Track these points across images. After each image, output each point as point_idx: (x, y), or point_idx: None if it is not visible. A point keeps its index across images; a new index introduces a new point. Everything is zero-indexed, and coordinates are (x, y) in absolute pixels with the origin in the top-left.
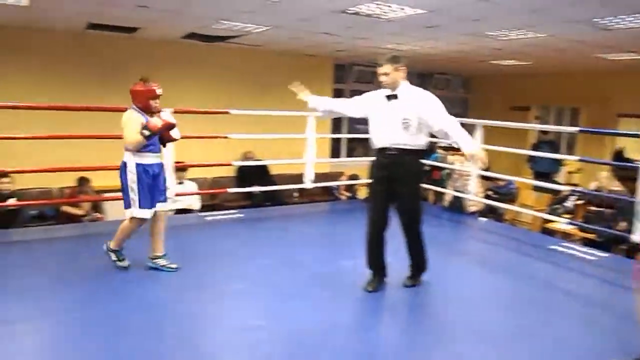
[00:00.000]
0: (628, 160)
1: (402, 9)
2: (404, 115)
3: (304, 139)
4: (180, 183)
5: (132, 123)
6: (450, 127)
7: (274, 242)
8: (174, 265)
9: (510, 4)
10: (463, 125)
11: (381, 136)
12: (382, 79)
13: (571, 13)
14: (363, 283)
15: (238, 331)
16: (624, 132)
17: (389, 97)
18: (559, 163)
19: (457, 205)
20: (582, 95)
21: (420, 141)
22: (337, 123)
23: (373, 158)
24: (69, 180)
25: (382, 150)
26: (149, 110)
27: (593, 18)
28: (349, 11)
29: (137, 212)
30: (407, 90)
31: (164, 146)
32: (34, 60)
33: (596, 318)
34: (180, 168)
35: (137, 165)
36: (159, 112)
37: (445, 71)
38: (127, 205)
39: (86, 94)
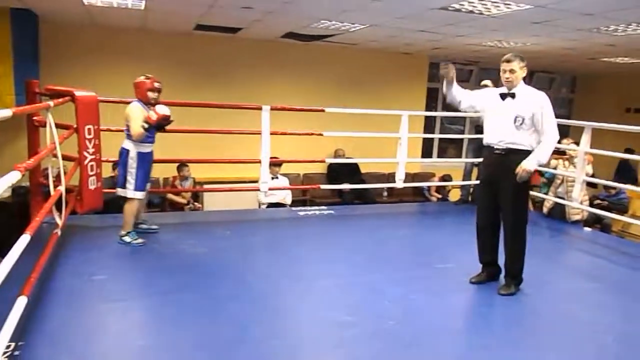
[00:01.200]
0: None
1: (508, 5)
2: (518, 112)
3: (395, 138)
4: (274, 178)
5: (138, 116)
6: (545, 139)
7: (365, 239)
8: (154, 227)
9: None
10: (569, 127)
11: (492, 134)
12: (507, 75)
13: None
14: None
15: (327, 326)
16: None
17: (504, 96)
18: None
19: (558, 213)
20: None
21: (531, 141)
22: (429, 123)
23: (483, 156)
24: (172, 171)
25: (491, 147)
26: (147, 102)
27: None
28: (450, 8)
29: (132, 193)
30: (525, 90)
31: (163, 131)
32: (146, 60)
33: None
34: (275, 163)
35: (138, 153)
36: (156, 104)
37: (549, 69)
38: (122, 185)
39: (190, 91)
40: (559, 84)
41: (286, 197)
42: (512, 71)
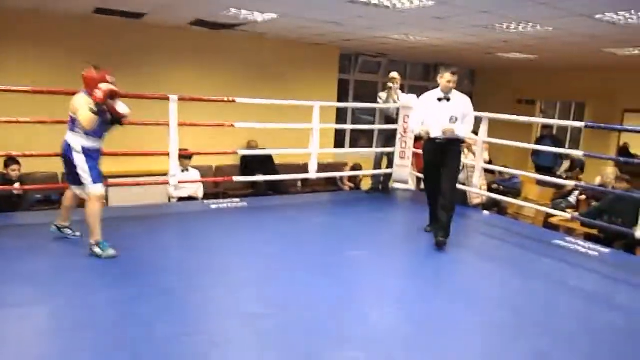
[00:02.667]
0: (633, 156)
1: (411, 0)
2: (452, 113)
3: (308, 129)
4: (184, 170)
5: (86, 105)
6: (467, 129)
7: (279, 230)
8: (78, 234)
9: None
10: None
11: (433, 129)
12: (451, 85)
13: (579, 7)
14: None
15: (242, 319)
16: (632, 127)
17: (441, 99)
18: (561, 158)
19: (461, 198)
20: (588, 90)
21: (460, 134)
22: (341, 114)
23: (426, 145)
24: None
25: (434, 139)
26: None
27: (601, 12)
28: (358, 1)
29: (92, 187)
30: (456, 95)
31: (121, 124)
32: (39, 45)
33: (597, 314)
34: (185, 155)
35: (83, 148)
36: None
37: (451, 63)
38: (74, 183)
39: None
40: (460, 77)
41: (198, 190)
42: (453, 82)
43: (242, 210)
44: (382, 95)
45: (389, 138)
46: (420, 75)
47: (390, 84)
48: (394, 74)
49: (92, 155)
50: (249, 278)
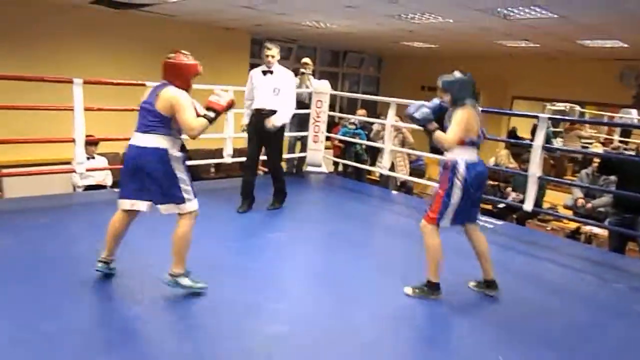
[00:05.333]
0: (520, 138)
1: None
2: (275, 85)
3: (222, 114)
4: (90, 158)
5: (191, 105)
6: (291, 103)
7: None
8: (202, 285)
9: None
10: (377, 103)
11: (258, 100)
12: (270, 59)
13: (476, 2)
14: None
15: (162, 305)
16: (521, 112)
17: (265, 72)
18: None
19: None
20: (483, 78)
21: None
22: None
23: (252, 116)
24: None
25: (258, 110)
26: (188, 91)
27: (496, 7)
28: None
29: (193, 204)
30: (279, 68)
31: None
32: None
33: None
34: (91, 142)
35: (183, 156)
36: None
37: (360, 50)
38: (175, 200)
39: None
40: (367, 64)
41: (106, 178)
42: (273, 56)
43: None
44: (295, 80)
45: (302, 123)
46: (330, 61)
47: (302, 70)
48: (307, 60)
49: (184, 161)
50: (163, 265)
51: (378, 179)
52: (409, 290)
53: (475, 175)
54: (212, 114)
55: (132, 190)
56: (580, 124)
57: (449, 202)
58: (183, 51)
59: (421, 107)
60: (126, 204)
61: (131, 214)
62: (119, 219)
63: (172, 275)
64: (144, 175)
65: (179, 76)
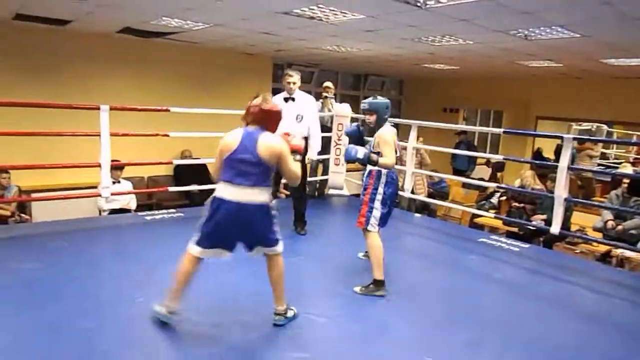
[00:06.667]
0: (546, 159)
1: (344, 13)
2: (298, 112)
3: None
4: (116, 182)
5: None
6: (317, 130)
7: None
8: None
9: (442, 12)
10: (399, 125)
11: (281, 128)
12: (292, 86)
13: (495, 23)
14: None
15: (186, 328)
16: (545, 133)
17: (287, 99)
18: (473, 161)
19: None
20: (505, 98)
21: (306, 131)
22: None
23: None
24: None
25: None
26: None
27: (516, 29)
28: (292, 13)
29: (281, 244)
30: (300, 95)
31: None
32: None
33: (522, 303)
34: (116, 166)
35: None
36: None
37: (381, 73)
38: (271, 243)
39: (11, 89)
40: (388, 87)
41: (130, 201)
42: (295, 83)
43: (178, 221)
44: (317, 104)
45: (323, 146)
46: (351, 84)
47: (324, 94)
48: (328, 84)
49: None
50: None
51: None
52: (357, 289)
53: (395, 185)
54: (299, 157)
55: (219, 241)
56: (593, 143)
57: (373, 207)
58: (264, 95)
59: (353, 149)
60: (208, 253)
61: (201, 260)
62: (192, 267)
63: (281, 314)
64: (240, 228)
65: (275, 122)
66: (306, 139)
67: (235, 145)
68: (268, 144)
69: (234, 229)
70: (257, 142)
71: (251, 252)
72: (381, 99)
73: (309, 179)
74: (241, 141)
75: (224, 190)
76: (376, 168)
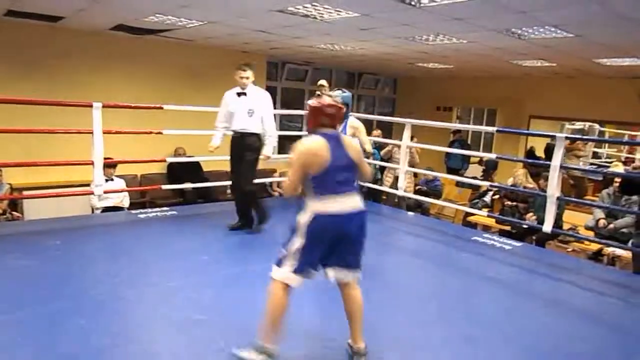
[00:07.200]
0: (538, 158)
1: (339, 11)
2: (250, 106)
3: None
4: (109, 180)
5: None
6: (272, 126)
7: (210, 238)
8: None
9: (436, 11)
10: (392, 124)
11: (234, 122)
12: (245, 80)
13: (489, 22)
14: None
15: (178, 326)
16: (537, 132)
17: (239, 94)
18: (467, 160)
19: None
20: (498, 97)
21: (259, 127)
22: None
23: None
24: None
25: (235, 131)
26: None
27: (509, 28)
28: (287, 11)
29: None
30: (253, 89)
31: None
32: None
33: (515, 301)
34: (110, 164)
35: None
36: None
37: (375, 71)
38: (359, 266)
39: (2, 85)
40: (383, 85)
41: (123, 199)
42: (248, 77)
43: (172, 219)
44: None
45: None
46: (345, 82)
47: (318, 92)
48: (322, 82)
49: None
50: (182, 286)
51: (385, 197)
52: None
53: None
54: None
55: (318, 261)
56: (582, 143)
57: None
58: (324, 91)
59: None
60: (311, 275)
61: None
62: (288, 297)
63: (360, 353)
64: (349, 241)
65: (341, 119)
66: (260, 136)
67: (328, 154)
68: (352, 144)
69: (342, 244)
70: (345, 145)
71: (334, 274)
72: (348, 93)
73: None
74: (331, 148)
75: (331, 205)
76: None
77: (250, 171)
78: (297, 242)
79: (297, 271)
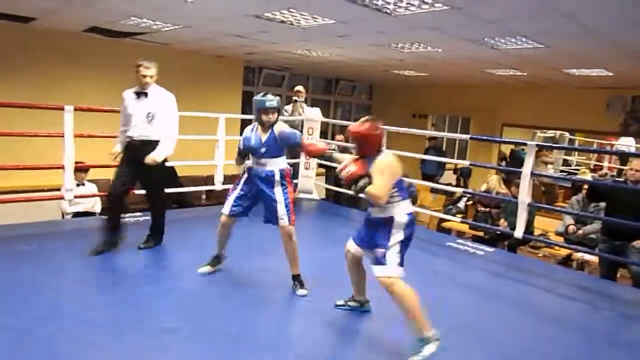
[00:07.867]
0: (509, 164)
1: (315, 18)
2: (149, 109)
3: (213, 141)
4: (80, 184)
5: None
6: (172, 129)
7: (184, 243)
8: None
9: (411, 20)
10: None
11: (130, 127)
12: (147, 79)
13: (464, 32)
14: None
15: (150, 332)
16: (510, 140)
17: (139, 94)
18: (442, 167)
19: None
20: (472, 106)
21: (160, 133)
22: (245, 126)
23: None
24: None
25: (130, 138)
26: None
27: (483, 38)
28: (263, 17)
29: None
30: (155, 90)
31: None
32: None
33: (486, 305)
34: (81, 169)
35: None
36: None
37: (351, 78)
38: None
39: None
40: (359, 91)
41: (95, 204)
42: (152, 76)
43: (144, 224)
44: (288, 108)
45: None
46: (322, 88)
47: (295, 97)
48: (300, 88)
49: None
50: (155, 292)
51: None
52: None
53: None
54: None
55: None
56: (548, 150)
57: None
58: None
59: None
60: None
61: None
62: (408, 286)
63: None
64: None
65: None
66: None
67: (398, 169)
68: (396, 162)
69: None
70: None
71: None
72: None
73: None
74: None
75: (410, 206)
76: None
77: (162, 184)
78: (398, 237)
79: (401, 264)
